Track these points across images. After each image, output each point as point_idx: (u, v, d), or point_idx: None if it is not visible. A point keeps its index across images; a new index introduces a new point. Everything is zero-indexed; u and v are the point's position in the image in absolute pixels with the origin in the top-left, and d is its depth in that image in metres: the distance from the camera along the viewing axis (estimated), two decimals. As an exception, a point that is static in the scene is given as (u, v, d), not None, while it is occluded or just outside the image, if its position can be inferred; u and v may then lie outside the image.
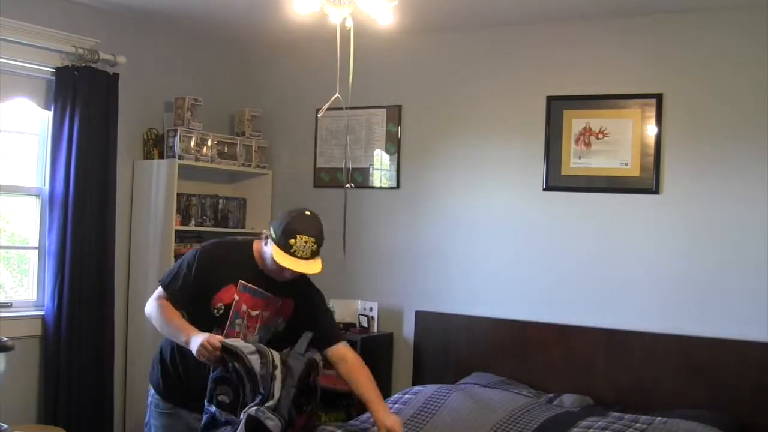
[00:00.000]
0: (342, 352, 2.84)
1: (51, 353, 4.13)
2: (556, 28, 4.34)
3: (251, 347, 2.57)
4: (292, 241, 2.60)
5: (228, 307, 2.71)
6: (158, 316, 2.72)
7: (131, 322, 4.59)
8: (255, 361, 2.54)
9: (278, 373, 2.55)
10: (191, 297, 2.74)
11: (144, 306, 2.75)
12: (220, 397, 2.57)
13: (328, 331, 2.87)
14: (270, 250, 2.66)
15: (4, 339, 3.59)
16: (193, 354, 2.58)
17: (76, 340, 4.17)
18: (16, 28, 3.93)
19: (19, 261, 4.37)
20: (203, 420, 2.62)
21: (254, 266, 2.74)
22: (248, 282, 2.74)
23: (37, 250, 4.27)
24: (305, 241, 2.61)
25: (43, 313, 4.18)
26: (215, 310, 2.71)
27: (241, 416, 2.48)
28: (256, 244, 2.79)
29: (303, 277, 2.77)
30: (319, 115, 3.36)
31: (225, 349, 2.54)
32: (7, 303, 4.13)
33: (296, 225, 2.64)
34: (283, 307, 2.83)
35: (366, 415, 3.54)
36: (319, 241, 2.67)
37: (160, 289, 2.79)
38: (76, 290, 4.17)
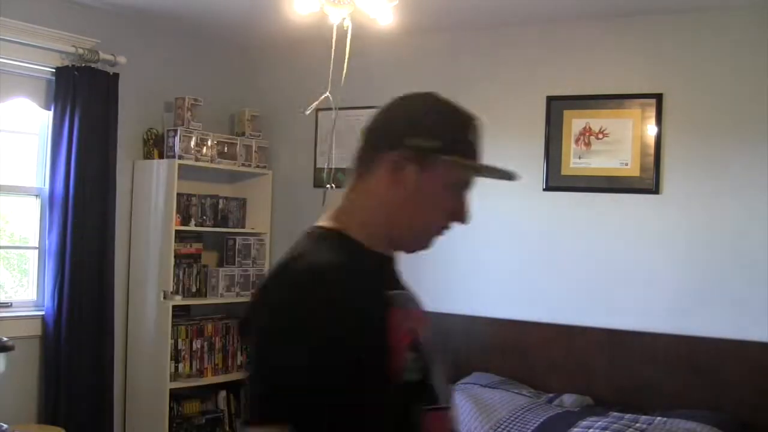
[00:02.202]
0: None
1: (51, 353, 4.13)
2: (556, 28, 4.34)
3: None
4: (472, 136, 1.40)
5: (417, 350, 1.34)
6: None
7: (131, 322, 4.58)
8: None
9: None
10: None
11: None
12: None
13: None
14: (432, 174, 1.36)
15: (4, 339, 3.59)
16: None
17: (76, 340, 4.16)
18: (16, 28, 3.93)
19: (19, 261, 4.37)
20: None
21: (375, 260, 1.42)
22: (394, 290, 1.42)
23: (37, 250, 4.27)
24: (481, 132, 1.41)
25: (43, 313, 4.18)
26: (406, 374, 1.29)
27: None
28: (341, 227, 1.40)
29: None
30: (306, 113, 3.32)
31: None
32: (7, 303, 4.13)
33: (464, 111, 1.41)
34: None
35: None
36: None
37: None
38: (76, 290, 4.16)
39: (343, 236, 1.37)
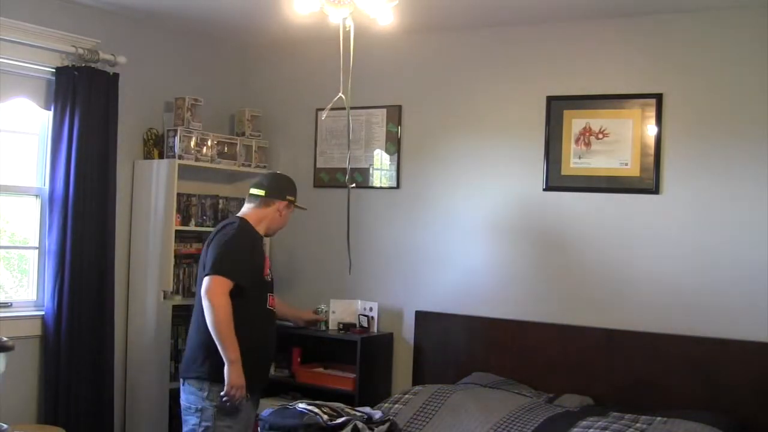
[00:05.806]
0: None
1: (51, 353, 4.13)
2: (556, 28, 4.34)
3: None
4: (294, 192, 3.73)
5: (271, 271, 3.61)
6: (227, 316, 3.27)
7: (131, 322, 4.58)
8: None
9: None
10: (252, 275, 3.43)
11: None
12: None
13: None
14: (289, 209, 3.66)
15: (4, 339, 3.58)
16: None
17: (76, 340, 4.17)
18: (16, 28, 3.93)
19: (19, 261, 4.37)
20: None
21: (260, 236, 3.59)
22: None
23: (37, 250, 4.27)
24: None
25: (43, 313, 4.18)
26: (267, 277, 3.54)
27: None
28: (253, 219, 3.56)
29: None
30: (323, 117, 3.36)
31: None
32: (7, 303, 4.13)
33: (291, 183, 3.76)
34: None
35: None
36: None
37: (224, 279, 3.29)
38: (76, 290, 4.17)
39: (248, 223, 3.56)
